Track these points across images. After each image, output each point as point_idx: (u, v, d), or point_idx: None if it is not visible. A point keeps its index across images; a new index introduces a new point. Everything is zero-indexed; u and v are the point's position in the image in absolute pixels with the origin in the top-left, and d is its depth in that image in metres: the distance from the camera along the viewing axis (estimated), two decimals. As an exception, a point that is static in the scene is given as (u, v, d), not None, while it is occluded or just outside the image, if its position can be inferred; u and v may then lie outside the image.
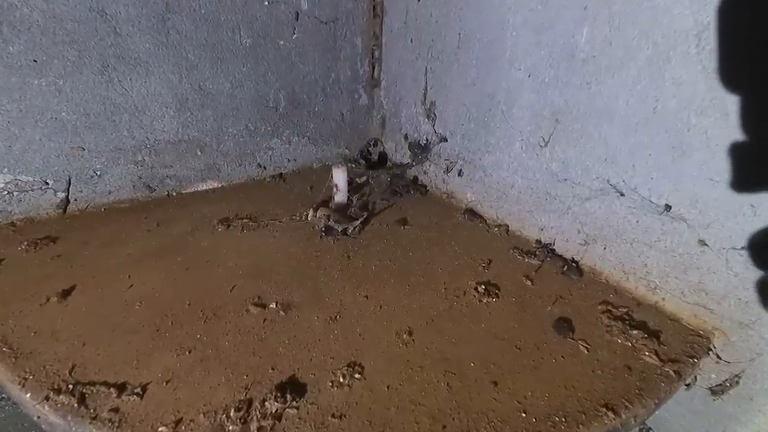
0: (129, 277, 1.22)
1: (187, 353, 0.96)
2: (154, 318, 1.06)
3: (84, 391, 0.85)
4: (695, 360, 1.02)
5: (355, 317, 1.10)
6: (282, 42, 1.80)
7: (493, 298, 1.19)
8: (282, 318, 1.09)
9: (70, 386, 0.86)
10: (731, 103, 0.94)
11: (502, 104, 1.51)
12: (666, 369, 0.97)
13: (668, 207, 1.11)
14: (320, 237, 1.48)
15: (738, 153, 0.96)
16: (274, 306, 1.12)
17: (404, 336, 1.04)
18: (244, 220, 1.56)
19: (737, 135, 0.95)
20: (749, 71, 0.92)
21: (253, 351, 0.98)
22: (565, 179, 1.35)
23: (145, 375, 0.90)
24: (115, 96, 1.51)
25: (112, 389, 0.85)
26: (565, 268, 1.33)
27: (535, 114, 1.39)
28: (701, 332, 1.09)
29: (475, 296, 1.20)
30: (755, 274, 0.99)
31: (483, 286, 1.23)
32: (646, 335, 1.05)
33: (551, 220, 1.43)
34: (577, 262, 1.36)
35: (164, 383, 0.88)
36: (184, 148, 1.72)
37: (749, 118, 0.93)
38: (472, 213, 1.67)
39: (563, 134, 1.32)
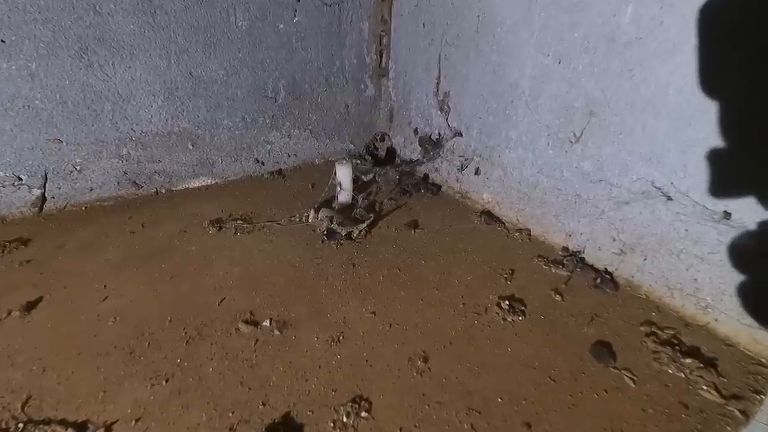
0: (105, 286, 1.08)
1: (163, 382, 0.82)
2: (128, 337, 0.92)
3: (36, 432, 0.71)
4: (762, 396, 0.86)
5: (361, 338, 0.96)
6: (282, 25, 1.64)
7: (518, 316, 1.04)
8: (277, 339, 0.94)
9: (21, 425, 0.72)
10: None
11: (526, 95, 1.34)
12: (729, 408, 0.82)
13: (727, 214, 0.95)
14: (322, 241, 1.33)
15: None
16: (268, 324, 0.98)
17: (418, 362, 0.89)
18: (238, 222, 1.41)
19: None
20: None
21: (242, 380, 0.83)
22: (600, 180, 1.19)
23: (111, 411, 0.75)
24: (96, 82, 1.36)
25: (70, 430, 0.71)
26: (598, 280, 1.17)
27: (566, 106, 1.23)
28: (763, 360, 0.94)
29: (498, 314, 1.05)
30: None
31: (506, 302, 1.08)
32: (701, 364, 0.90)
33: (581, 226, 1.27)
34: (611, 274, 1.20)
35: (133, 422, 0.74)
36: (174, 141, 1.57)
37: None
38: (489, 216, 1.51)
39: (599, 129, 1.16)
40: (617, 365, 0.91)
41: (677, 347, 0.95)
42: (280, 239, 1.34)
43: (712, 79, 0.91)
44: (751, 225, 0.91)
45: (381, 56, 1.93)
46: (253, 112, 1.72)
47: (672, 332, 1.00)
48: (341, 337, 0.95)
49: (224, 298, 1.06)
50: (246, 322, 0.98)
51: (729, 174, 0.94)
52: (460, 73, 1.57)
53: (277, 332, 0.96)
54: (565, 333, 1.00)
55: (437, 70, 1.68)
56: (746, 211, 0.92)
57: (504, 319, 1.03)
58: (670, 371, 0.90)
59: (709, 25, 0.89)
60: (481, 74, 1.48)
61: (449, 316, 1.04)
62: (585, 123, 1.19)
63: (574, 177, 1.26)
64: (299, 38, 1.70)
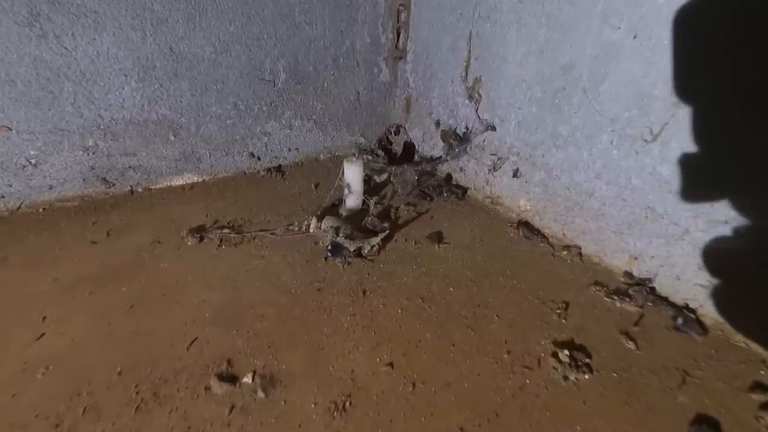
0: (44, 318, 0.84)
1: (94, 478, 0.58)
2: (59, 399, 0.68)
3: None
4: None
5: (375, 405, 0.71)
6: (282, -6, 1.37)
7: (583, 372, 0.78)
8: (260, 404, 0.69)
9: None
10: None
11: (584, 79, 1.07)
12: None
13: None
14: (325, 258, 1.08)
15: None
16: (250, 380, 0.73)
17: (455, 448, 0.64)
18: (225, 230, 1.16)
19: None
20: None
21: (206, 475, 0.59)
22: (686, 191, 0.92)
23: None
24: (52, 57, 1.11)
25: None
26: (680, 320, 0.91)
27: (640, 93, 0.96)
28: None
29: (556, 368, 0.79)
30: None
31: (566, 351, 0.82)
32: None
33: (653, 247, 1.00)
34: (694, 312, 0.94)
35: None
36: (152, 131, 1.32)
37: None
38: (528, 227, 1.25)
39: (687, 124, 0.89)
40: (733, 458, 0.65)
41: (811, 429, 0.69)
42: (273, 254, 1.09)
43: None
44: None
45: (398, 35, 1.65)
46: (248, 97, 1.46)
47: (795, 403, 0.74)
48: (348, 403, 0.70)
49: (195, 339, 0.81)
50: (220, 377, 0.73)
51: None
52: (496, 54, 1.30)
53: (261, 393, 0.71)
54: (649, 401, 0.74)
55: (467, 50, 1.40)
56: None
57: (565, 378, 0.77)
58: (810, 470, 0.64)
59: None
60: (524, 55, 1.21)
61: (491, 370, 0.78)
62: (667, 116, 0.92)
63: (647, 185, 0.99)
64: (303, 10, 1.43)
